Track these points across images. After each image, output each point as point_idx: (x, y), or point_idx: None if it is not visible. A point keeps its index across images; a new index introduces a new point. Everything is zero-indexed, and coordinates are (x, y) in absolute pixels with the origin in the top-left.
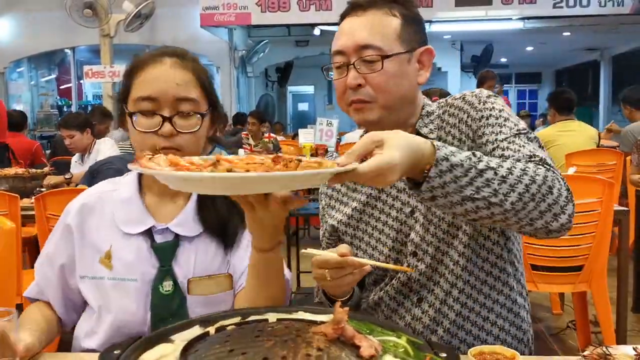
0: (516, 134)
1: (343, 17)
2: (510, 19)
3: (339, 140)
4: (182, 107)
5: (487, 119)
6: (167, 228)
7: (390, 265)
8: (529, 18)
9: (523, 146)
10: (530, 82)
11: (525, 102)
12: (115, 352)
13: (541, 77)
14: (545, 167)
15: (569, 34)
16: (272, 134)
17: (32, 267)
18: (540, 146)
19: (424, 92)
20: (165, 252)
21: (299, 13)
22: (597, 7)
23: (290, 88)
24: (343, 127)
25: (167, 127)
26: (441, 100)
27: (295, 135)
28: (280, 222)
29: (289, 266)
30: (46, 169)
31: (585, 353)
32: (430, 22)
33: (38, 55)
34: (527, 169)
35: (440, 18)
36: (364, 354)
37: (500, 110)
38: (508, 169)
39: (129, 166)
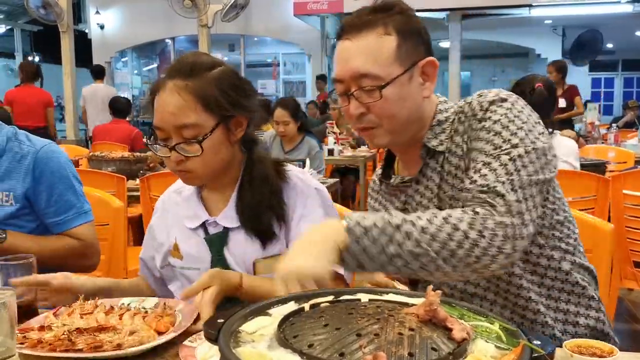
0: (498, 154)
1: (338, 37)
2: (619, 1)
3: None
4: (185, 133)
5: (480, 130)
6: (216, 221)
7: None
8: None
9: (493, 170)
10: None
11: (632, 91)
12: (219, 320)
13: None
14: (484, 208)
15: None
16: None
17: (135, 244)
18: (524, 165)
19: (528, 78)
20: (216, 242)
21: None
22: None
23: None
24: None
25: (174, 155)
26: (460, 103)
27: None
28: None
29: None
30: (150, 153)
31: None
32: (530, 6)
33: (141, 46)
34: (449, 217)
35: (541, 2)
36: (456, 337)
37: (495, 122)
38: (427, 219)
39: None
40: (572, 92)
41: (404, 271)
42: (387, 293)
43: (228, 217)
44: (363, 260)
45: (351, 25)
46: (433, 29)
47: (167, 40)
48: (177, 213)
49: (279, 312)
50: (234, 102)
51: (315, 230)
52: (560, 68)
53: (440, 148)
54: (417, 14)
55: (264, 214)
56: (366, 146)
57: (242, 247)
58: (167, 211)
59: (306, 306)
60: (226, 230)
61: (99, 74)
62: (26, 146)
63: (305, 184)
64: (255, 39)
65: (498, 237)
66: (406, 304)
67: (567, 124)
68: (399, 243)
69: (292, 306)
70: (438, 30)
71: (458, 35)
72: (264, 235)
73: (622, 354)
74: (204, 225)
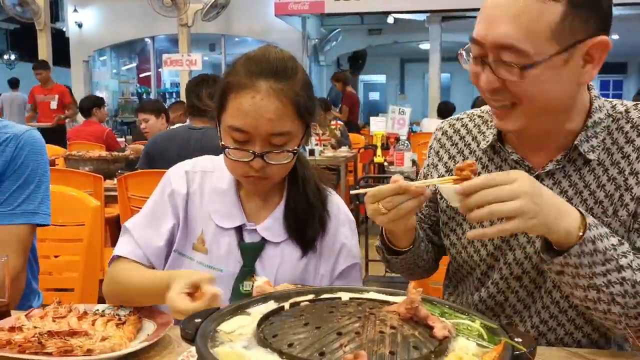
0: None
1: None
2: None
3: (411, 129)
4: (275, 140)
5: None
6: (256, 229)
7: (448, 181)
8: (614, 5)
9: None
10: (615, 72)
11: (609, 94)
12: (196, 320)
13: (627, 67)
14: None
15: None
16: (339, 122)
17: (113, 245)
18: None
19: None
20: (250, 252)
21: (372, 1)
22: None
23: (362, 77)
24: (415, 116)
25: (258, 162)
26: (617, 104)
27: (365, 125)
28: None
29: (359, 251)
30: (127, 152)
31: None
32: None
33: (120, 45)
34: None
35: None
36: (438, 335)
37: None
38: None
39: None
40: (350, 99)
41: (584, 303)
42: (368, 291)
43: (270, 229)
44: (567, 272)
45: None
46: (413, 30)
47: (146, 40)
48: (208, 203)
49: (258, 311)
50: (314, 109)
51: (565, 205)
52: (339, 78)
53: (591, 156)
54: (396, 15)
55: (313, 224)
56: (347, 147)
57: (276, 263)
58: (195, 185)
59: (286, 305)
60: (263, 242)
61: (14, 84)
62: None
63: (344, 209)
64: (237, 39)
65: None
66: (387, 302)
67: None
68: (609, 281)
69: (271, 305)
70: (418, 32)
71: (438, 37)
72: (308, 246)
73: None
74: (239, 229)
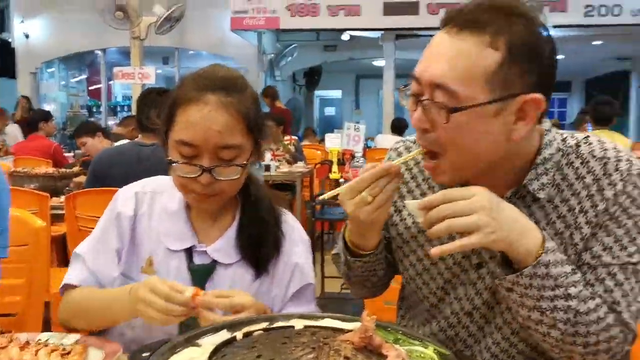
0: (626, 264)
1: (441, 25)
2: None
3: (366, 145)
4: (224, 154)
5: (616, 220)
6: (206, 251)
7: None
8: (558, 26)
9: (620, 285)
10: (560, 90)
11: (554, 111)
12: (144, 354)
13: (571, 85)
14: (618, 319)
15: (600, 42)
16: (293, 137)
17: (60, 265)
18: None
19: None
20: (200, 275)
21: (328, 18)
22: (629, 17)
23: (318, 92)
24: (370, 132)
25: (206, 177)
26: (567, 136)
27: (322, 140)
28: None
29: (313, 271)
30: (76, 169)
31: None
32: None
33: (69, 56)
34: (600, 319)
35: None
36: None
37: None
38: (588, 309)
39: None
40: (283, 113)
41: (525, 322)
42: (323, 318)
43: (222, 250)
44: (517, 290)
45: (456, 17)
46: (368, 47)
47: (97, 52)
48: (157, 225)
49: (209, 342)
50: (263, 126)
51: (528, 223)
52: (268, 94)
53: (541, 195)
54: (351, 33)
55: (267, 244)
56: (302, 162)
57: (227, 285)
58: (144, 206)
59: (238, 335)
60: (214, 264)
61: None
62: None
63: (298, 229)
64: (191, 52)
65: (616, 343)
66: (341, 330)
67: None
68: (555, 307)
69: (224, 335)
70: (373, 49)
71: (392, 54)
72: (261, 268)
73: None
74: (189, 250)
